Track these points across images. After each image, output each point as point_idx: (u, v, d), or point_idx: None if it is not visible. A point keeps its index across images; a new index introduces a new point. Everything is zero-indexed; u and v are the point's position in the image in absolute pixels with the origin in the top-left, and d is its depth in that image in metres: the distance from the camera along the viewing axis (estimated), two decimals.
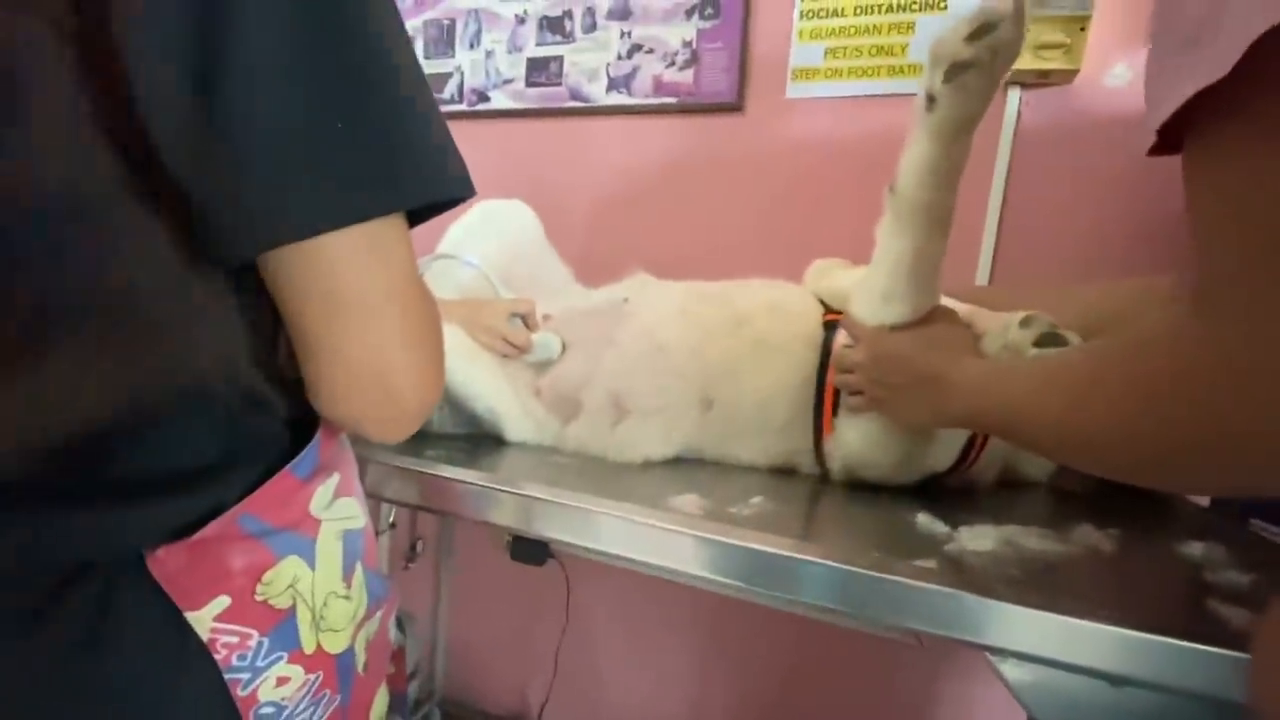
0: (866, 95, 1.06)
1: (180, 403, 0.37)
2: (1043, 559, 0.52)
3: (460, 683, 1.49)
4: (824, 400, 0.69)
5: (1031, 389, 0.42)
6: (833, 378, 0.67)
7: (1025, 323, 0.60)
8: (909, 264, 0.58)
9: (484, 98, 1.30)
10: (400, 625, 0.61)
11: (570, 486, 0.59)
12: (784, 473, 0.74)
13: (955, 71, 0.50)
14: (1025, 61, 0.91)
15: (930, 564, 0.46)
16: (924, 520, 0.58)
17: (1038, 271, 1.00)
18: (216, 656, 0.37)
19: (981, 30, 0.49)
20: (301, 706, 0.40)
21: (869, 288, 0.62)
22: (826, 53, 1.08)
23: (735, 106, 1.13)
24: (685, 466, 0.73)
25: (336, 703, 0.44)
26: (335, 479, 0.44)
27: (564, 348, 0.78)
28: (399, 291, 0.37)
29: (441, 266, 0.85)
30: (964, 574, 0.45)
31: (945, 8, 1.01)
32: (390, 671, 0.58)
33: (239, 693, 0.38)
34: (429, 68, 1.34)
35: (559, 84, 1.25)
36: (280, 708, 0.39)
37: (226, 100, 0.30)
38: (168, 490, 0.37)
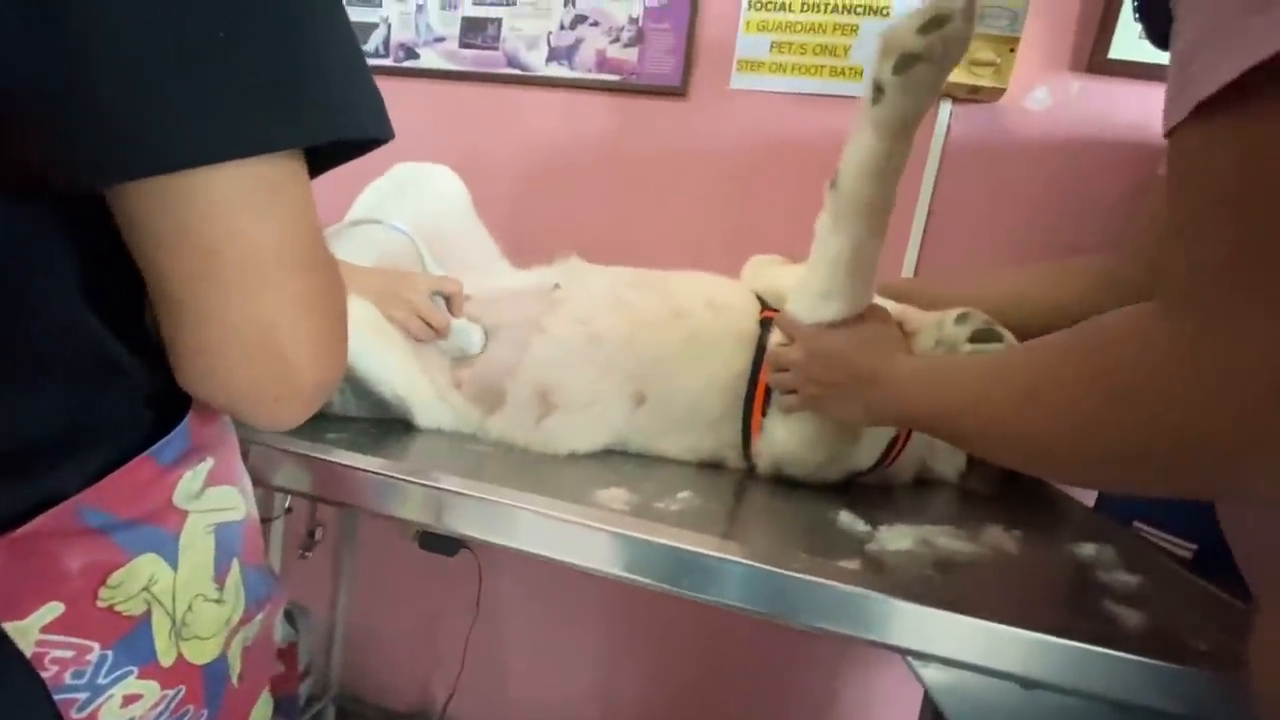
0: (809, 94, 1.06)
1: (7, 369, 0.30)
2: (956, 559, 0.53)
3: (359, 677, 1.40)
4: (755, 397, 0.69)
5: (978, 388, 0.41)
6: (766, 375, 0.67)
7: (960, 319, 0.61)
8: (848, 260, 0.58)
9: (412, 54, 1.21)
10: (291, 620, 0.55)
11: (489, 478, 0.54)
12: (710, 466, 0.72)
13: (905, 63, 0.50)
14: (959, 75, 0.94)
15: (854, 565, 0.46)
16: (845, 519, 0.58)
17: (959, 272, 1.04)
18: (44, 674, 0.31)
19: (934, 23, 0.49)
20: None
21: (807, 285, 0.61)
22: (772, 46, 1.07)
23: (679, 91, 1.11)
24: (611, 458, 0.70)
25: (204, 716, 0.38)
26: (208, 464, 0.38)
27: (485, 342, 0.72)
28: (296, 246, 0.31)
29: (362, 233, 0.77)
30: (886, 575, 0.45)
31: (889, 14, 1.03)
32: (279, 671, 0.52)
33: (74, 715, 0.32)
34: (352, 15, 1.23)
35: (495, 48, 1.17)
36: None
37: None
38: None
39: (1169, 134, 0.28)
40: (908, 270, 1.05)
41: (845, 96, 1.05)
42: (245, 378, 0.32)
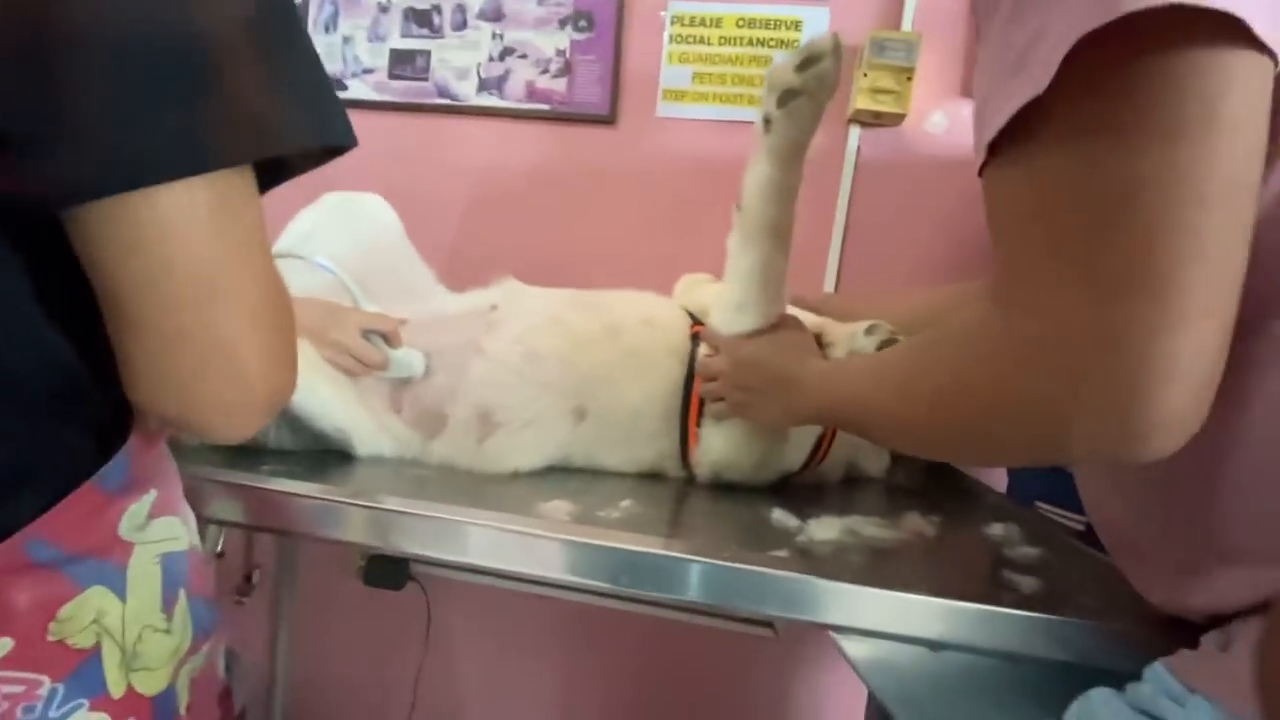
0: (730, 120, 1.13)
1: None
2: (878, 544, 0.57)
3: None
4: (690, 408, 0.72)
5: (867, 384, 0.47)
6: (699, 387, 0.70)
7: (869, 330, 0.68)
8: (758, 275, 0.63)
9: (340, 85, 1.21)
10: (227, 664, 0.53)
11: (432, 498, 0.55)
12: (652, 477, 0.75)
13: (787, 97, 0.56)
14: (864, 103, 1.02)
15: (783, 554, 0.49)
16: (778, 515, 0.61)
17: (876, 282, 1.12)
18: None
19: (808, 62, 0.56)
20: None
21: (723, 299, 0.66)
22: (694, 76, 1.13)
23: (608, 119, 1.15)
24: (554, 474, 0.72)
25: None
26: (151, 496, 0.38)
27: (426, 365, 0.72)
28: (247, 261, 0.32)
29: (288, 268, 0.76)
30: (811, 561, 0.48)
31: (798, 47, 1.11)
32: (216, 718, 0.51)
33: None
34: None
35: (425, 79, 1.19)
36: None
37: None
38: None
39: (980, 173, 0.34)
40: (829, 282, 1.12)
41: None
42: (199, 390, 0.32)
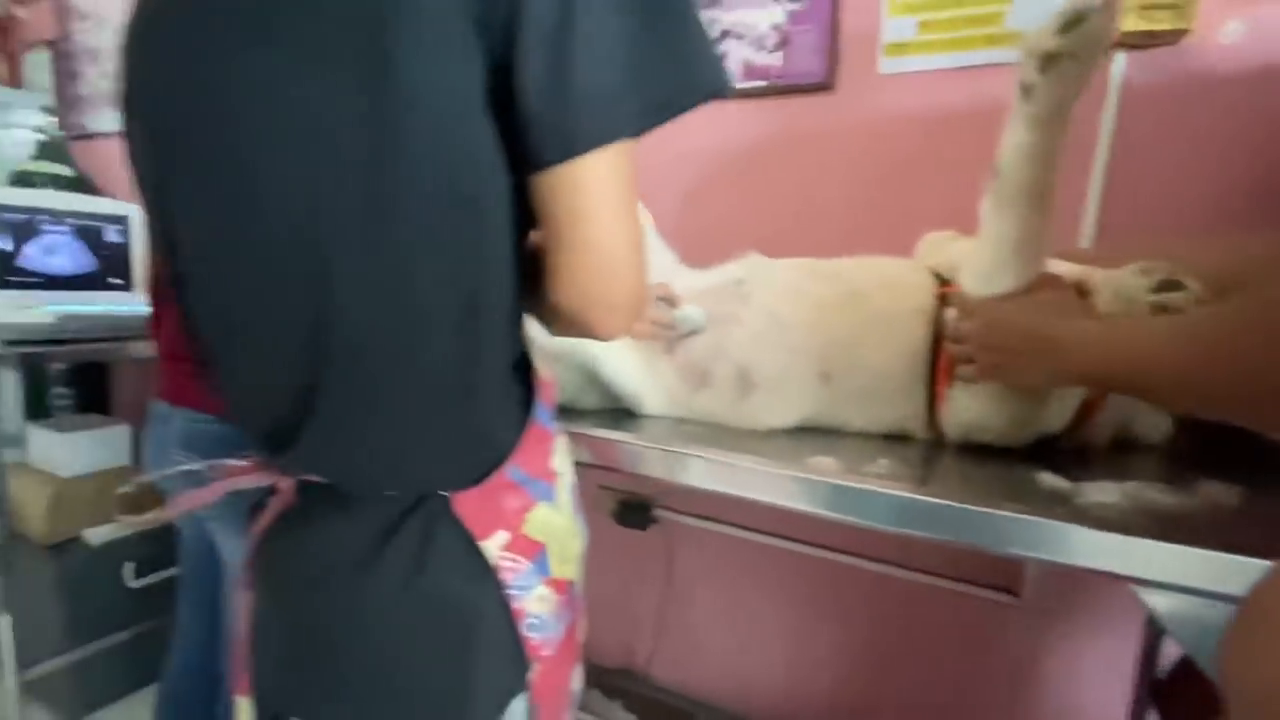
0: (962, 67, 1.07)
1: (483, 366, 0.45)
2: (1168, 510, 0.56)
3: None
4: (937, 368, 0.74)
5: (1164, 344, 0.46)
6: (946, 347, 0.72)
7: (1145, 270, 0.62)
8: (1013, 241, 0.61)
9: None
10: None
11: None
12: (897, 438, 0.78)
13: (1049, 62, 0.53)
14: (1134, 23, 0.91)
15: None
16: (1046, 478, 0.61)
17: (1146, 233, 0.99)
18: (501, 577, 0.47)
19: (1072, 23, 0.51)
20: (552, 620, 0.51)
21: (975, 265, 0.65)
22: (919, 25, 1.09)
23: (826, 85, 1.16)
24: (806, 434, 0.79)
25: (569, 619, 0.54)
26: (563, 440, 0.54)
27: (705, 318, 0.83)
28: (632, 199, 0.43)
29: None
30: (1098, 520, 0.50)
31: None
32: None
33: (514, 605, 0.48)
34: None
35: None
36: (540, 619, 0.49)
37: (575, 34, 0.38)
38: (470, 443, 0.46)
39: None
40: (1085, 238, 1.02)
41: (1003, 64, 1.04)
42: (596, 288, 0.43)
